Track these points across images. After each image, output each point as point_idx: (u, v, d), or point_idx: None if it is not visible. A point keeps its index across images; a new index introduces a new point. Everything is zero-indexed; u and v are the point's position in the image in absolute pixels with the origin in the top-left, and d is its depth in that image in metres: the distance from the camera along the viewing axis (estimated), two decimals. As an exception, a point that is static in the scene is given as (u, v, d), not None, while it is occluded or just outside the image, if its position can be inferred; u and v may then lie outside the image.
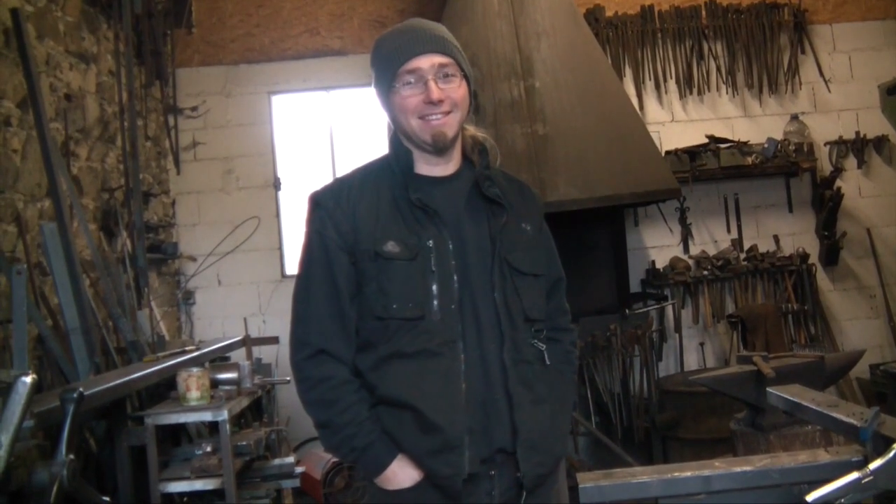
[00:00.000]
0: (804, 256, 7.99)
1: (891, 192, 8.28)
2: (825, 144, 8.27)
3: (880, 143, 8.22)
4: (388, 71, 2.51)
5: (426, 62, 2.47)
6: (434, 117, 2.48)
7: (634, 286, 7.96)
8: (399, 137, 2.61)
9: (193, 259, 7.92)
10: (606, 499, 2.50)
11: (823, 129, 8.26)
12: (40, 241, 4.94)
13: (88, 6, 6.24)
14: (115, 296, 5.55)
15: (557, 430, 2.60)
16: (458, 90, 2.52)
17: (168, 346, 5.87)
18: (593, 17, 8.13)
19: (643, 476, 2.50)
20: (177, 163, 7.94)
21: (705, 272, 7.96)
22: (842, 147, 8.25)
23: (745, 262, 8.01)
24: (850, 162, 8.28)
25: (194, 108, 8.07)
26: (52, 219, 5.00)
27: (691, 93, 8.22)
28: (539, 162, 6.64)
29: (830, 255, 8.15)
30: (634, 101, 7.93)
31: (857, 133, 8.21)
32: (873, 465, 2.19)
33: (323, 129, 8.32)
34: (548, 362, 2.60)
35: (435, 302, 2.44)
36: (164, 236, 7.60)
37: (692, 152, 7.80)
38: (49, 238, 4.80)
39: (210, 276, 7.92)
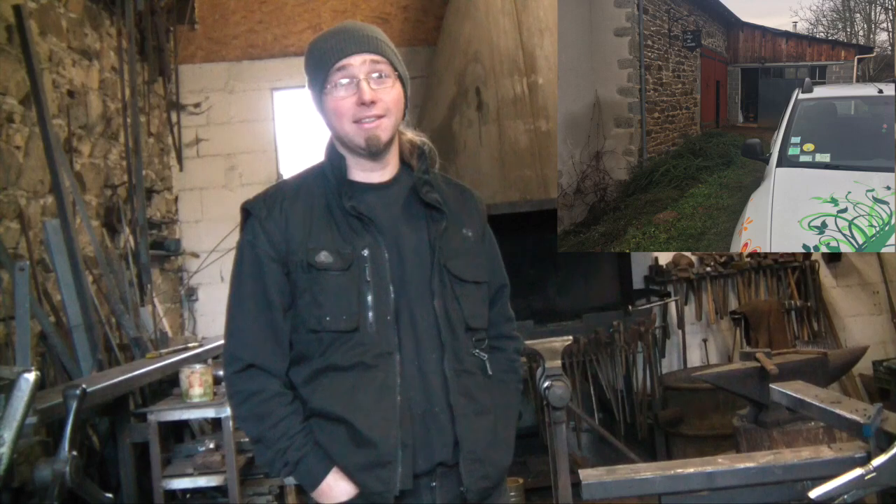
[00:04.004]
0: (807, 253, 7.97)
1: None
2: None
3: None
4: (319, 72, 2.42)
5: (357, 60, 2.39)
6: (367, 121, 2.39)
7: (638, 283, 7.96)
8: (334, 143, 2.53)
9: (196, 256, 7.93)
10: (610, 495, 2.50)
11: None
12: (43, 237, 4.94)
13: (91, 2, 6.25)
14: (118, 292, 5.56)
15: (501, 441, 2.51)
16: (391, 91, 2.42)
17: (171, 342, 5.88)
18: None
19: (646, 472, 2.50)
20: (179, 159, 7.96)
21: (708, 269, 7.96)
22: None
23: (748, 259, 8.00)
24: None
25: (197, 105, 8.07)
26: (54, 215, 5.00)
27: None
28: (542, 158, 6.63)
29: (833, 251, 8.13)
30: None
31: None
32: (876, 461, 2.19)
33: (325, 126, 8.29)
34: (490, 372, 2.52)
35: (370, 313, 2.36)
36: (166, 233, 7.61)
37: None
38: (52, 235, 4.81)
39: (213, 273, 7.92)
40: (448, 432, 2.38)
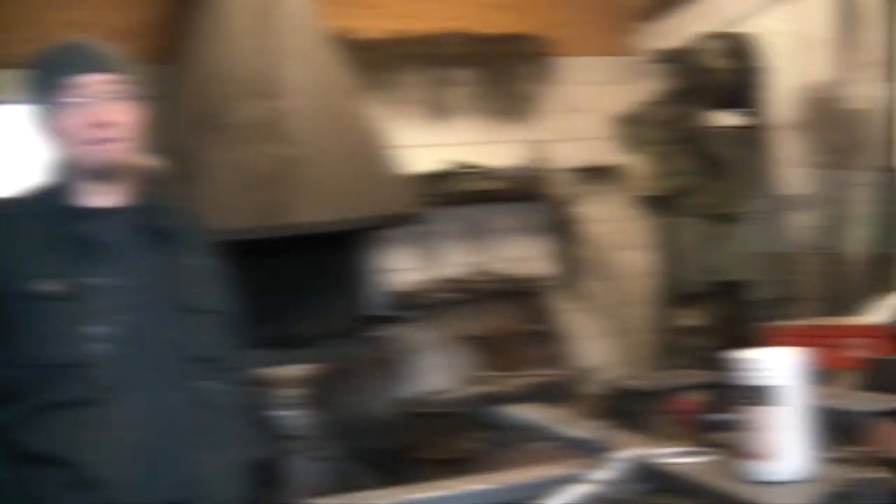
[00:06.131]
0: (544, 279, 8.24)
1: (624, 218, 8.63)
2: (564, 171, 8.53)
3: (613, 171, 8.55)
4: (49, 89, 2.29)
5: (93, 79, 2.28)
6: (102, 142, 2.28)
7: (377, 309, 7.96)
8: (59, 164, 2.39)
9: None
10: (342, 524, 2.47)
11: (563, 157, 8.52)
12: None
13: None
14: None
15: (233, 474, 2.43)
16: (129, 114, 2.33)
17: None
18: (345, 39, 8.08)
19: (378, 499, 2.48)
20: None
21: (448, 294, 8.07)
22: (580, 174, 8.55)
23: (486, 285, 8.17)
24: (588, 188, 8.59)
25: None
26: None
27: (438, 118, 8.31)
28: (281, 184, 6.55)
29: (569, 277, 8.45)
30: (383, 124, 7.94)
31: (593, 161, 8.53)
32: (600, 475, 2.28)
33: (49, 146, 7.89)
34: (222, 403, 2.42)
35: (95, 346, 2.21)
36: None
37: (437, 176, 7.90)
38: None
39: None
40: (178, 468, 2.26)
